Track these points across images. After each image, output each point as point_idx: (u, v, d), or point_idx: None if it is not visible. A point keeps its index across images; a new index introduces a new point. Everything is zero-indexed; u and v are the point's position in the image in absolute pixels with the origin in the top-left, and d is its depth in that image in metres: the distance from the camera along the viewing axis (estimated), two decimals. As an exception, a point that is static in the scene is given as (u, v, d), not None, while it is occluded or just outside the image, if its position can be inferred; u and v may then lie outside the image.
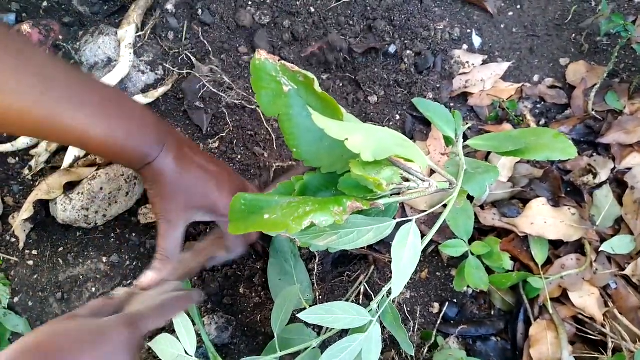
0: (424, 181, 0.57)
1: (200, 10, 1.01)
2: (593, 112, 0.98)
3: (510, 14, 1.10)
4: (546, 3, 1.11)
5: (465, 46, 1.06)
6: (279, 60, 0.59)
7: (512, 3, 1.10)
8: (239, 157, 0.94)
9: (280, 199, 0.54)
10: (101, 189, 0.85)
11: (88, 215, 0.85)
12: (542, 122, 1.02)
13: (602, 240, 0.87)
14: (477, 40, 1.07)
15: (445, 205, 0.61)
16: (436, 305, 0.88)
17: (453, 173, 0.65)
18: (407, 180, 0.57)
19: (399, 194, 0.57)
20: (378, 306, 0.61)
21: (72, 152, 0.87)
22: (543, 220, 0.84)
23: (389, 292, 0.57)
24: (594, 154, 0.96)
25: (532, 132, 0.68)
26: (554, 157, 0.63)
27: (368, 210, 0.58)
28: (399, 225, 0.56)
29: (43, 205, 0.89)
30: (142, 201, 0.92)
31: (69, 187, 0.86)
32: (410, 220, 0.55)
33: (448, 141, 0.72)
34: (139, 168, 0.63)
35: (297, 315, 0.57)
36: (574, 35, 1.08)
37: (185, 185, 0.65)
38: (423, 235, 0.60)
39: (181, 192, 0.65)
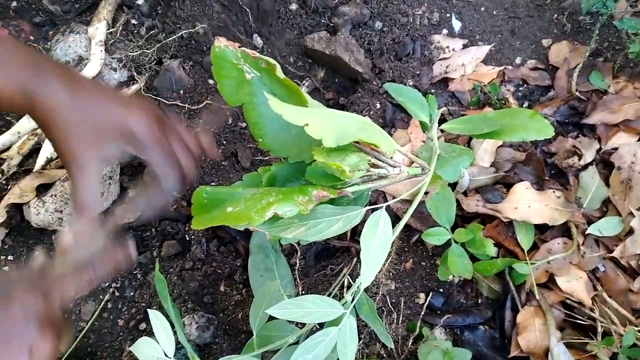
0: (394, 167, 0.55)
1: (172, 3, 0.99)
2: (577, 93, 0.95)
3: (490, -4, 1.08)
4: (527, -17, 1.09)
5: (445, 31, 1.04)
6: (239, 47, 0.57)
7: (491, -15, 1.08)
8: (220, 146, 0.92)
9: (244, 191, 0.53)
10: (74, 190, 0.83)
11: (62, 218, 0.83)
12: (525, 104, 0.99)
13: (589, 222, 0.85)
14: (456, 24, 1.05)
15: (425, 193, 0.59)
16: (422, 295, 0.86)
17: (426, 158, 0.63)
18: (376, 166, 0.55)
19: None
20: (353, 298, 0.59)
21: (44, 154, 0.85)
22: (527, 204, 0.82)
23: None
24: (579, 135, 0.94)
25: (507, 112, 0.66)
26: (530, 138, 0.61)
27: (339, 200, 0.56)
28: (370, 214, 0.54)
29: (17, 209, 0.87)
30: (119, 201, 0.90)
31: (42, 189, 0.84)
32: (380, 208, 0.53)
33: (424, 127, 0.70)
34: (30, 110, 0.52)
35: (267, 312, 0.55)
36: (555, 15, 1.06)
37: (86, 115, 0.53)
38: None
39: (84, 124, 0.53)
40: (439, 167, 0.59)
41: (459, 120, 0.67)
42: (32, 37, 1.00)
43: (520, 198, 0.83)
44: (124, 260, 0.56)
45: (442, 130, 0.68)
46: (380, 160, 0.54)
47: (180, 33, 0.94)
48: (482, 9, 1.06)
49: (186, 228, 0.87)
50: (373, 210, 0.54)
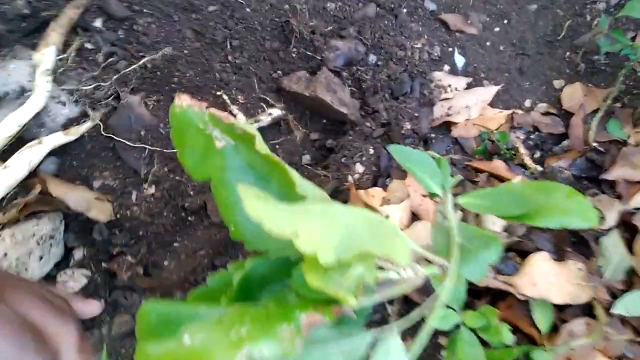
0: (406, 270, 0.42)
1: (136, 27, 0.85)
2: (594, 144, 0.85)
3: (497, 29, 0.96)
4: (536, 17, 0.98)
5: (446, 67, 0.93)
6: (206, 107, 0.43)
7: (497, 17, 0.97)
8: (185, 203, 0.78)
9: (208, 310, 0.39)
10: (5, 255, 0.68)
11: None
12: (537, 154, 0.88)
13: (613, 296, 0.74)
14: (459, 60, 0.93)
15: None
16: (421, 381, 0.73)
17: (442, 246, 0.50)
18: (382, 268, 0.42)
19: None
20: None
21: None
22: (546, 280, 0.70)
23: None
24: (598, 193, 0.83)
25: (539, 187, 0.54)
26: (571, 224, 0.49)
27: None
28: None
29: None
30: (63, 264, 0.75)
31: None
32: (391, 332, 0.40)
33: (433, 196, 0.58)
34: None
35: None
36: (568, 53, 0.95)
37: None
38: (411, 308, 0.45)
39: None
40: (462, 264, 0.47)
41: (478, 194, 0.55)
42: (-33, 61, 0.85)
43: (538, 272, 0.71)
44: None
45: (455, 204, 0.56)
46: (389, 264, 0.41)
47: (143, 61, 0.80)
48: (488, 43, 0.95)
49: (141, 300, 0.72)
50: (381, 332, 0.41)
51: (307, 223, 0.34)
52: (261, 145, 0.42)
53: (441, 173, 0.56)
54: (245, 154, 0.45)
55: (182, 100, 0.43)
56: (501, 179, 0.82)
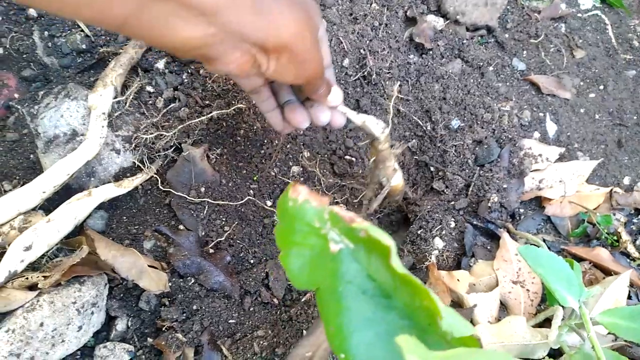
0: None
1: (202, 71, 0.78)
2: None
3: (592, 95, 0.87)
4: (634, 84, 0.89)
5: (537, 134, 0.83)
6: (328, 204, 0.34)
7: (593, 82, 0.88)
8: (247, 267, 0.68)
9: None
10: (41, 325, 0.59)
11: (20, 363, 0.59)
12: (639, 241, 0.78)
13: None
14: (551, 128, 0.84)
15: None
16: None
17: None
18: None
19: None
20: None
21: (6, 267, 0.62)
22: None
23: None
24: None
25: None
26: None
27: None
28: None
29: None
30: (102, 333, 0.66)
31: (-6, 319, 0.60)
32: None
33: (553, 301, 0.47)
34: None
35: None
36: (672, 127, 0.85)
37: None
38: None
39: None
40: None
41: (618, 313, 0.45)
42: (16, 95, 0.79)
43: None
44: None
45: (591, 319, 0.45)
46: None
47: (211, 114, 0.72)
48: (582, 110, 0.86)
49: None
50: None
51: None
52: (397, 261, 0.32)
53: (577, 283, 0.46)
54: (367, 263, 0.35)
55: (298, 193, 0.34)
56: (605, 270, 0.72)
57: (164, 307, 0.65)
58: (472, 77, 0.83)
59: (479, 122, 0.81)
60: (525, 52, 0.88)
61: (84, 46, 0.83)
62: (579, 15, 0.92)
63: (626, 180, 0.82)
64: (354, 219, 0.34)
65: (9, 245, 0.64)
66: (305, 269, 0.36)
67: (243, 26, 0.38)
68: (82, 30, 0.84)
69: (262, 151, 0.76)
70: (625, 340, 0.66)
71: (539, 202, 0.79)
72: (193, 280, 0.66)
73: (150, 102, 0.76)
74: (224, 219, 0.71)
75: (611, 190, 0.80)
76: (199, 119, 0.70)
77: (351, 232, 0.35)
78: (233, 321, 0.66)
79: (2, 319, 0.59)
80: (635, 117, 0.86)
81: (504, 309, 0.72)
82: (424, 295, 0.32)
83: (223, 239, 0.71)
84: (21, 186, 0.67)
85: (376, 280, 0.36)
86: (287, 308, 0.68)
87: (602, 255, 0.71)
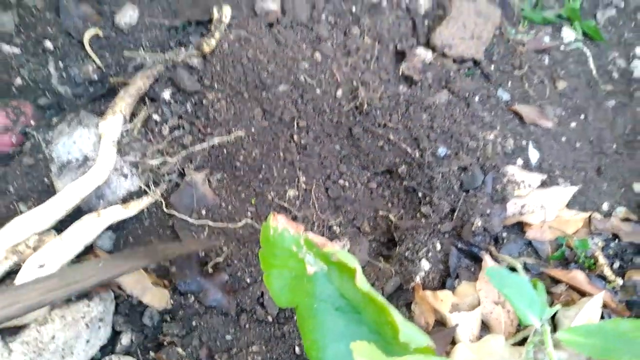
0: None
1: (205, 102, 0.83)
2: (684, 259, 0.78)
3: (573, 125, 0.92)
4: (614, 114, 0.94)
5: (520, 161, 0.88)
6: (303, 232, 0.39)
7: (574, 112, 0.93)
8: (244, 286, 0.73)
9: None
10: (53, 337, 0.64)
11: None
12: (616, 264, 0.81)
13: None
14: (533, 155, 0.89)
15: None
16: None
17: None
18: None
19: None
20: None
21: (24, 280, 0.67)
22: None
23: None
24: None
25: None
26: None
27: None
28: None
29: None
30: (108, 347, 0.71)
31: (11, 332, 0.65)
32: None
33: (523, 322, 0.52)
34: None
35: None
36: (649, 155, 0.90)
37: None
38: None
39: None
40: None
41: (580, 331, 0.49)
42: (32, 122, 0.84)
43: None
44: None
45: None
46: None
47: (213, 142, 0.77)
48: (563, 139, 0.90)
49: None
50: None
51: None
52: (362, 281, 0.37)
53: (539, 302, 0.51)
54: (339, 283, 0.40)
55: (278, 222, 0.39)
56: (581, 292, 0.76)
57: (165, 322, 0.70)
58: (458, 107, 0.89)
59: (464, 150, 0.86)
60: (510, 82, 0.93)
61: (95, 76, 0.89)
62: (562, 47, 0.98)
63: (605, 206, 0.86)
64: (326, 243, 0.39)
65: (23, 262, 0.70)
66: (286, 289, 0.41)
67: None
68: (94, 61, 0.90)
69: (260, 176, 0.81)
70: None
71: (520, 227, 0.83)
72: (193, 298, 0.71)
73: (156, 129, 0.82)
74: (222, 240, 0.76)
75: (590, 215, 0.84)
76: (201, 145, 0.76)
77: (324, 255, 0.40)
78: (229, 337, 0.71)
79: (17, 332, 0.65)
80: (614, 146, 0.91)
81: (486, 328, 0.76)
82: (385, 312, 0.37)
83: (222, 259, 0.76)
84: (36, 207, 0.73)
85: (347, 299, 0.40)
86: (280, 325, 0.72)
87: (579, 277, 0.75)
